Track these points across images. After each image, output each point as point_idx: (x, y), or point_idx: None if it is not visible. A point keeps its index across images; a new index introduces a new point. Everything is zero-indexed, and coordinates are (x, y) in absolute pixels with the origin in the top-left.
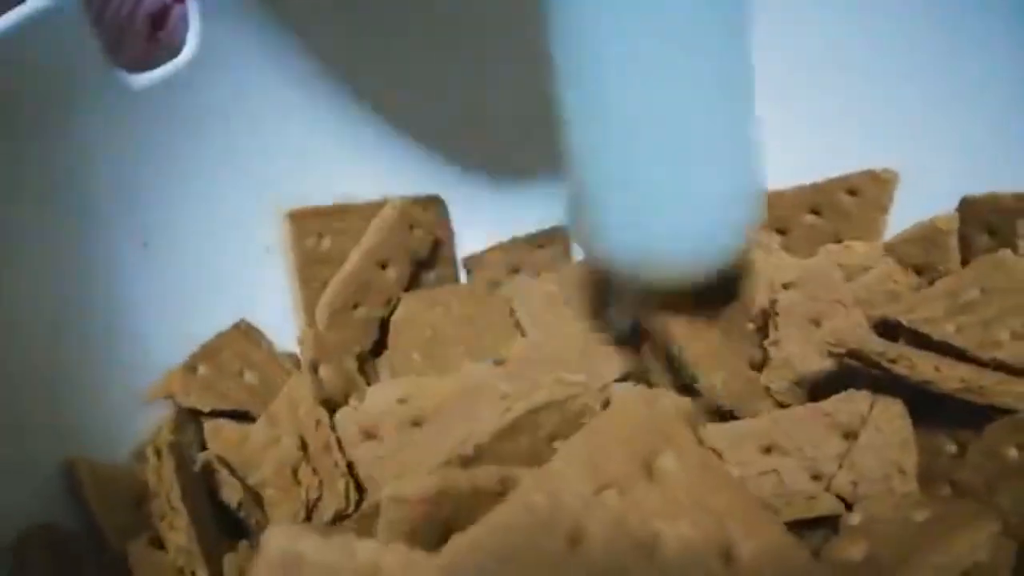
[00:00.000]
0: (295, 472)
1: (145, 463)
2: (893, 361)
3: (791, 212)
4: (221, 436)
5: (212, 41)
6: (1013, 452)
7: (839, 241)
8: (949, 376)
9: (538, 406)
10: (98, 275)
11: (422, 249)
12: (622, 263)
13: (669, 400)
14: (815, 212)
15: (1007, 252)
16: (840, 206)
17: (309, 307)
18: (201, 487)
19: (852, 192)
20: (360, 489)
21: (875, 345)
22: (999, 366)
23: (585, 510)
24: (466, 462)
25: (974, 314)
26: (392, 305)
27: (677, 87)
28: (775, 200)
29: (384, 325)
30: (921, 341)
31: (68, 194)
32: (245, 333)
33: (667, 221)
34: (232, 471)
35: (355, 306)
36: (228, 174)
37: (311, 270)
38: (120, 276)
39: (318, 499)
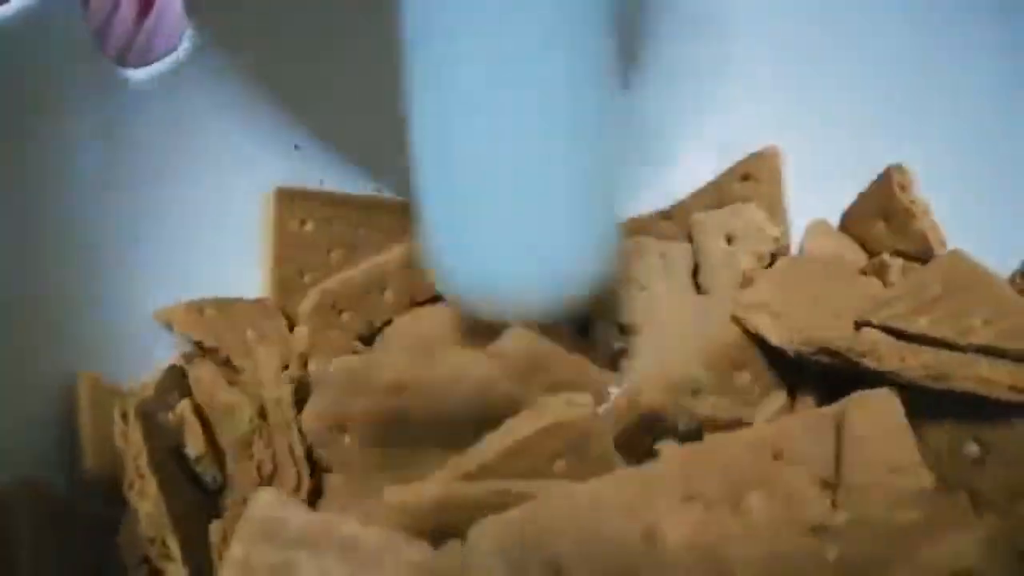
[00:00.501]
0: (248, 445)
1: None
2: (862, 355)
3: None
4: (202, 387)
5: (206, 37)
6: None
7: None
8: (913, 365)
9: (546, 427)
10: (91, 269)
11: (426, 295)
12: (466, 303)
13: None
14: (721, 207)
15: (960, 250)
16: (740, 193)
17: (277, 287)
18: (177, 454)
19: (746, 177)
20: (315, 471)
21: (843, 341)
22: (979, 351)
23: (669, 515)
24: (468, 477)
25: (942, 308)
26: (376, 327)
27: (524, 138)
28: (681, 211)
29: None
30: (897, 336)
31: (61, 188)
32: (264, 308)
33: (510, 265)
34: (205, 424)
35: (340, 311)
36: (221, 168)
37: (288, 251)
38: (114, 269)
39: (273, 473)
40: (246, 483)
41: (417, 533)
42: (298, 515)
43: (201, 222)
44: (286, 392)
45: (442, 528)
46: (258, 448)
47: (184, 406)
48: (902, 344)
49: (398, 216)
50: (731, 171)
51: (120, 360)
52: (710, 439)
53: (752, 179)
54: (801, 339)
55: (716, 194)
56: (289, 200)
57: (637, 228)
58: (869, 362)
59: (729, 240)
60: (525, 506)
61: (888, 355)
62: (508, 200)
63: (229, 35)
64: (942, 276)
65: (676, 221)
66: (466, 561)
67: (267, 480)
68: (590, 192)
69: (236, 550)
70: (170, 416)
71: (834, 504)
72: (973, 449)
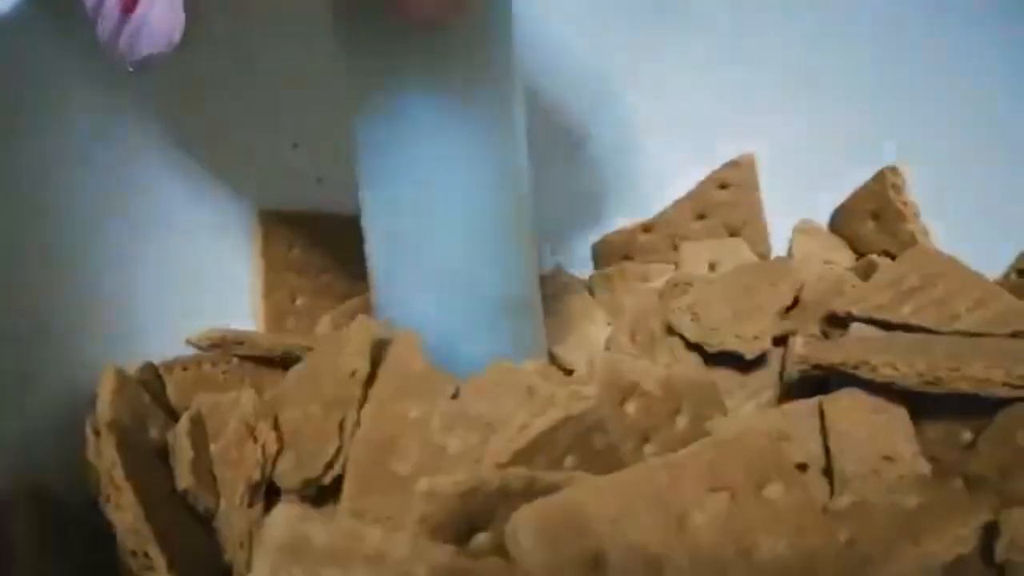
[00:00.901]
0: (252, 430)
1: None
2: (856, 367)
3: (682, 225)
4: (204, 405)
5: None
6: None
7: (734, 233)
8: (907, 372)
9: (556, 423)
10: (89, 270)
11: None
12: None
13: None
14: (701, 217)
15: (926, 244)
16: (719, 201)
17: (269, 313)
18: (156, 464)
19: (723, 186)
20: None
21: (836, 356)
22: (964, 336)
23: (697, 501)
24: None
25: (923, 297)
26: None
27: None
28: (664, 224)
29: None
30: (880, 327)
31: (57, 189)
32: None
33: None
34: (195, 442)
35: None
36: (217, 172)
37: (278, 277)
38: (115, 272)
39: (278, 453)
40: (248, 471)
41: (443, 522)
42: (321, 530)
43: (199, 222)
44: (363, 367)
45: (468, 517)
46: (262, 431)
47: (181, 429)
48: (891, 344)
49: None
50: (710, 180)
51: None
52: (731, 431)
53: (730, 187)
54: (796, 357)
55: (697, 203)
56: (275, 225)
57: (619, 241)
58: (863, 373)
59: (712, 267)
60: (562, 494)
61: (882, 365)
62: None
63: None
64: (916, 267)
65: (657, 233)
66: (506, 550)
67: (272, 461)
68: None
69: (260, 570)
70: (152, 432)
71: (833, 490)
72: (966, 436)
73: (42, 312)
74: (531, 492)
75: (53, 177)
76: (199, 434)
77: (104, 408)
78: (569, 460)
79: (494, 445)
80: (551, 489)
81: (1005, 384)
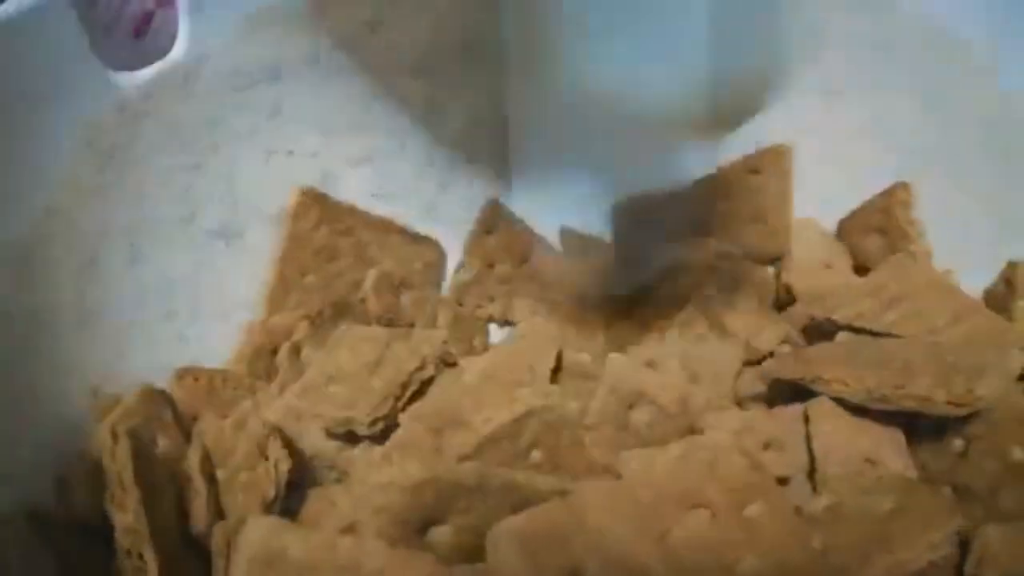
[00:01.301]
0: (262, 450)
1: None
2: (812, 382)
3: (705, 205)
4: (208, 434)
5: (200, 46)
6: (1019, 453)
7: (756, 218)
8: (857, 389)
9: (518, 416)
10: (85, 278)
11: None
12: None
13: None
14: (724, 198)
15: (902, 255)
16: (748, 186)
17: (278, 284)
18: (164, 478)
19: (755, 171)
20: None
21: (797, 371)
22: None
23: (677, 516)
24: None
25: (904, 307)
26: None
27: None
28: (684, 201)
29: None
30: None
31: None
32: None
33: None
34: (207, 470)
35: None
36: (215, 179)
37: (296, 251)
38: (107, 280)
39: (290, 471)
40: (264, 489)
41: (399, 514)
42: (297, 540)
43: (200, 234)
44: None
45: (423, 510)
46: (274, 448)
47: (193, 463)
48: (854, 356)
49: (409, 243)
50: (742, 163)
51: (121, 379)
52: (717, 454)
53: (762, 173)
54: (758, 373)
55: (722, 185)
56: (310, 201)
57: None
58: (818, 388)
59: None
60: (543, 508)
61: (833, 381)
62: None
63: (222, 42)
64: (896, 278)
65: (677, 205)
66: (466, 545)
67: (284, 478)
68: None
69: None
70: (160, 442)
71: (815, 490)
72: (958, 443)
73: (37, 335)
74: (484, 487)
75: (44, 177)
76: (209, 468)
77: (125, 415)
78: (535, 454)
79: (459, 438)
80: (504, 484)
81: (948, 403)
